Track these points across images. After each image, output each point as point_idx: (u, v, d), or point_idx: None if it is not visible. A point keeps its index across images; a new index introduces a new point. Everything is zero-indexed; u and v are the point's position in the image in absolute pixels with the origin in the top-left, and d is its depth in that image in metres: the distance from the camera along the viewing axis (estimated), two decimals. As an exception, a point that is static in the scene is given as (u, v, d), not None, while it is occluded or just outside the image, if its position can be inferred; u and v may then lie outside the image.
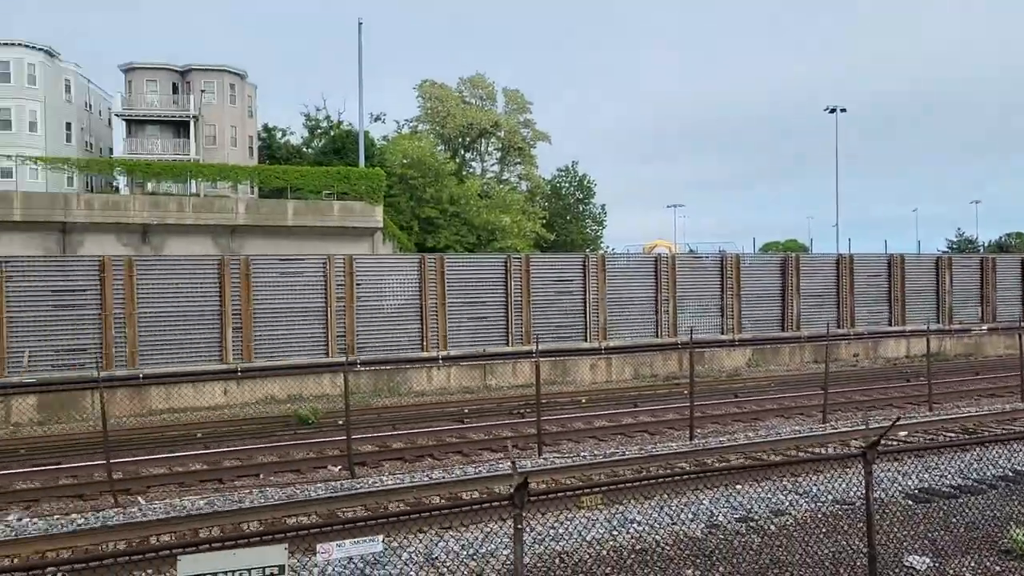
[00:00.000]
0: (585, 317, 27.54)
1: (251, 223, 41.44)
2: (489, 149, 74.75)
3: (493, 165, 75.50)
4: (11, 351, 20.58)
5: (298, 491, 13.41)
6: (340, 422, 19.17)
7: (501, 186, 69.18)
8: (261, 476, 14.83)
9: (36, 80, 55.98)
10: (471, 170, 71.73)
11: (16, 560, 9.74)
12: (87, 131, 62.72)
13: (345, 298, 24.18)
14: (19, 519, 12.05)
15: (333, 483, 13.99)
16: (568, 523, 11.20)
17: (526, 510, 7.37)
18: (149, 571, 9.25)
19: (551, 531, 10.77)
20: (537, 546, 10.34)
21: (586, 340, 27.50)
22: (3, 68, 54.96)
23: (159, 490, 13.93)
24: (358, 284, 24.49)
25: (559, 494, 10.78)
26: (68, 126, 59.17)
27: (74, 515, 12.21)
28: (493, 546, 10.63)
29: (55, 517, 12.13)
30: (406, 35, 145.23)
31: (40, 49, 56.48)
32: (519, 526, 7.36)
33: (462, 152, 71.80)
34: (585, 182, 78.96)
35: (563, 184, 78.94)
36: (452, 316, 25.61)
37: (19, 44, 55.63)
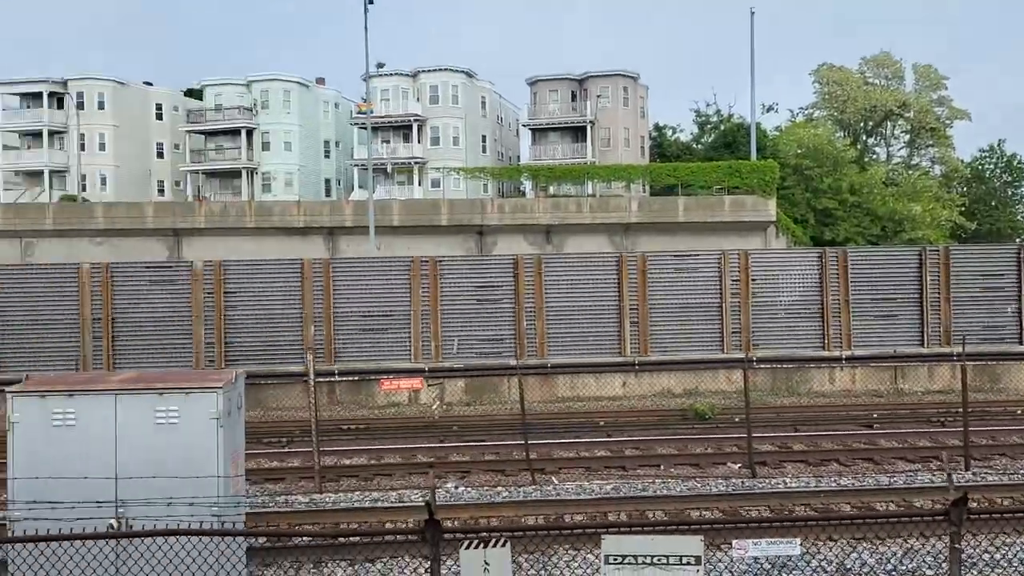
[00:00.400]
0: (1021, 317, 24.03)
1: (643, 220, 42.65)
2: (895, 132, 68.71)
3: (900, 149, 69.28)
4: (444, 339, 23.49)
5: (699, 485, 13.48)
6: (737, 419, 18.91)
7: (910, 172, 63.17)
8: (661, 467, 15.16)
9: (458, 99, 63.31)
10: (874, 156, 66.51)
11: (455, 523, 11.06)
12: (499, 142, 69.44)
13: (740, 294, 23.81)
14: (455, 487, 13.69)
15: (733, 480, 13.84)
16: (1006, 549, 9.87)
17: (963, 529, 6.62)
18: (566, 546, 9.95)
19: (984, 556, 9.57)
20: (969, 571, 9.25)
21: (1022, 343, 24.00)
22: (433, 92, 63.03)
23: (569, 472, 14.91)
24: (753, 279, 23.96)
25: (1004, 515, 9.48)
26: (483, 138, 66.00)
27: (499, 488, 13.55)
28: (914, 564, 9.74)
29: (484, 488, 13.57)
30: (800, 20, 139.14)
31: (461, 72, 63.75)
32: (956, 545, 6.63)
33: (864, 137, 66.87)
34: (1015, 162, 69.02)
35: (987, 166, 69.80)
36: (856, 313, 23.92)
37: (445, 69, 63.37)
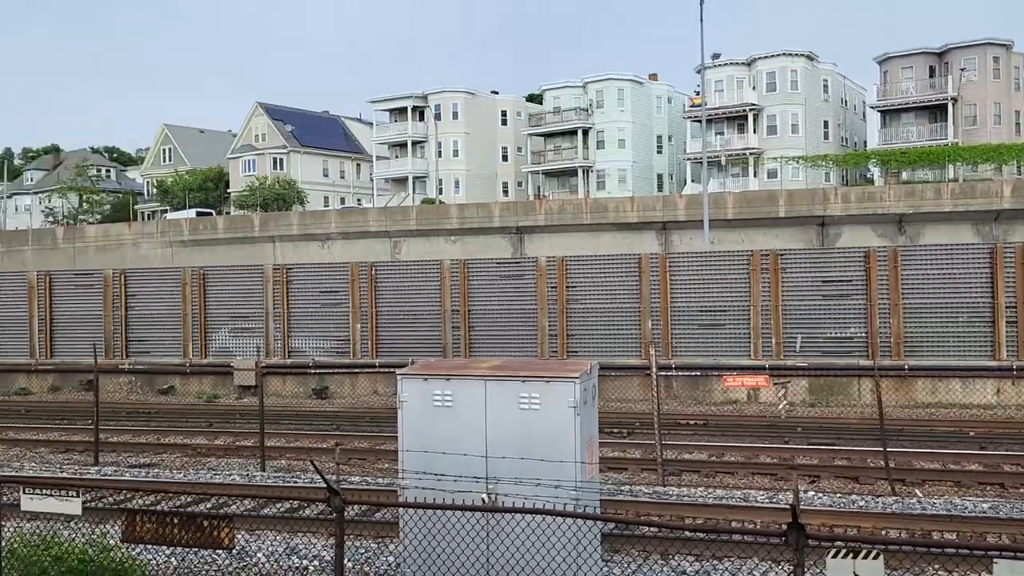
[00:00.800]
0: None
1: (1018, 207, 37.43)
2: None
3: None
4: (786, 336, 22.50)
5: (1104, 513, 11.51)
6: None
7: None
8: (1052, 488, 13.18)
9: (798, 85, 60.34)
10: None
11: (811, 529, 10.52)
12: (842, 127, 65.06)
13: None
14: (804, 491, 13.02)
15: None
16: None
17: None
18: (938, 567, 9.00)
19: None
20: None
21: None
22: (770, 79, 60.72)
23: (935, 486, 13.50)
24: None
25: None
26: (825, 124, 62.24)
27: (853, 496, 12.66)
28: None
29: (836, 495, 12.76)
30: None
31: (801, 55, 60.65)
32: None
33: None
34: None
35: None
36: None
37: (783, 54, 60.70)
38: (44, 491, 7.68)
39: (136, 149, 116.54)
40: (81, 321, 27.67)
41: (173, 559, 9.91)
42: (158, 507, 11.96)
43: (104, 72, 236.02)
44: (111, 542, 8.49)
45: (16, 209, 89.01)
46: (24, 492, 7.71)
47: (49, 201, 77.95)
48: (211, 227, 49.11)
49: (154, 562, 9.61)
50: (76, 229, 55.49)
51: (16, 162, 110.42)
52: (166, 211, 68.72)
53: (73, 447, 17.83)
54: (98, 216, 71.47)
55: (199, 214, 57.92)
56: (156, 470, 15.52)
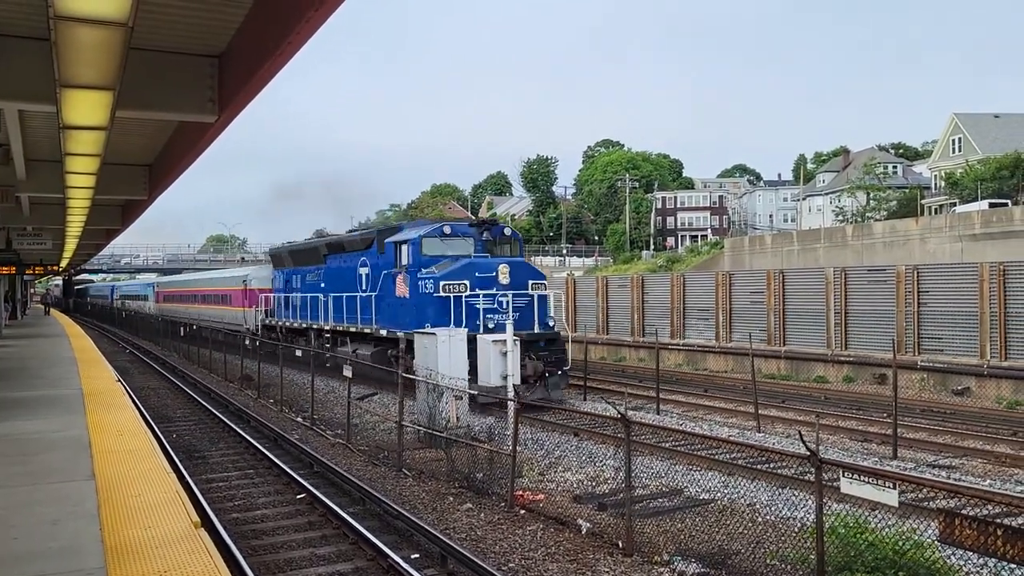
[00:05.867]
0: None
1: None
2: None
3: None
4: None
5: None
6: None
7: None
8: None
9: None
10: None
11: None
12: None
13: None
14: None
15: None
16: None
17: None
18: None
19: None
20: None
21: None
22: None
23: None
24: None
25: None
26: None
27: None
28: None
29: None
30: None
31: None
32: None
33: None
34: None
35: None
36: None
37: None
38: (862, 478, 8.10)
39: (922, 142, 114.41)
40: (872, 316, 28.44)
41: (984, 570, 9.43)
42: (963, 512, 11.51)
43: (884, 67, 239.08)
44: (923, 539, 8.49)
45: (810, 210, 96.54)
46: (843, 476, 8.26)
47: (839, 201, 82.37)
48: (1006, 219, 45.37)
49: (964, 569, 9.26)
50: (864, 226, 57.48)
51: (809, 166, 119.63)
52: (954, 204, 65.99)
53: (870, 438, 18.44)
54: (884, 213, 72.66)
55: (991, 205, 54.06)
56: (956, 474, 14.99)
